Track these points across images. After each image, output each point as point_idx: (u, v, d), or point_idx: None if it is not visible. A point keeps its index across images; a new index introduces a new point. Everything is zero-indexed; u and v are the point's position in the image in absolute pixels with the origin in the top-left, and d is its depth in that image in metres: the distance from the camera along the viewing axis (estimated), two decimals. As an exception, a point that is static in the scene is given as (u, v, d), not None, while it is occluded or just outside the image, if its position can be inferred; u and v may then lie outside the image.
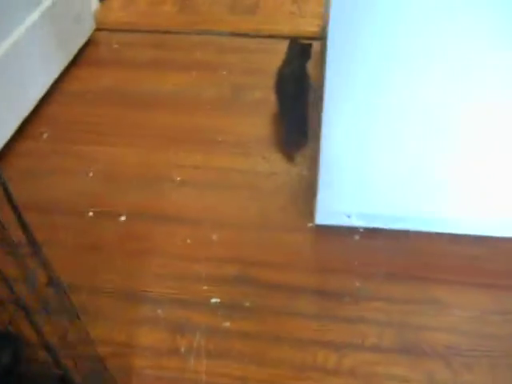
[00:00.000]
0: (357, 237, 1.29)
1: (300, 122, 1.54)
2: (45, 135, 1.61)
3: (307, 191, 1.40)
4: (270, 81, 1.72)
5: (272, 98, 1.66)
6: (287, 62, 1.65)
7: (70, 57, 1.82)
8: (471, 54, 0.94)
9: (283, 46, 1.82)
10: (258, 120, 1.63)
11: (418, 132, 1.08)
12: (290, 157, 1.51)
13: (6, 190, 0.61)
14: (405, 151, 1.12)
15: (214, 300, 1.19)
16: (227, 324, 1.14)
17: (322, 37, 1.88)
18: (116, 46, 1.94)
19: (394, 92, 1.02)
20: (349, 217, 1.26)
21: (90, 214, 1.39)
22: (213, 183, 1.45)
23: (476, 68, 0.95)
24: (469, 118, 1.04)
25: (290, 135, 1.56)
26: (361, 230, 1.29)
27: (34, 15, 1.61)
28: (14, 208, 0.63)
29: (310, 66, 1.65)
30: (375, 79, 1.01)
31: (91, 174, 1.49)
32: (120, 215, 1.38)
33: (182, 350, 1.10)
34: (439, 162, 1.14)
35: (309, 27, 1.94)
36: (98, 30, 1.97)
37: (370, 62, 0.99)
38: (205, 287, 1.21)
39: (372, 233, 1.28)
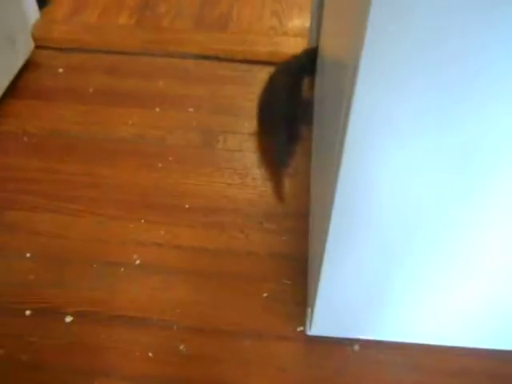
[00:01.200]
0: (356, 347, 1.08)
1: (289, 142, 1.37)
2: (-32, 197, 1.33)
3: (294, 279, 1.18)
4: (246, 123, 1.48)
5: (250, 146, 1.43)
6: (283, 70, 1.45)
7: (4, 87, 1.52)
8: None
9: (261, 75, 1.58)
10: (233, 178, 1.38)
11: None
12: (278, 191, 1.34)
13: None
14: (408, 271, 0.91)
15: None
16: None
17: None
18: (61, 70, 1.64)
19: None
20: (348, 331, 1.05)
21: (27, 312, 1.13)
22: (179, 268, 1.21)
23: None
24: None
25: (279, 154, 1.38)
26: (361, 339, 1.08)
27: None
28: None
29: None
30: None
31: (28, 255, 1.22)
32: (65, 314, 1.13)
33: None
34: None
35: (293, 48, 1.67)
36: (38, 47, 1.66)
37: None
38: (171, 425, 0.99)
39: (374, 344, 1.08)
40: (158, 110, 1.53)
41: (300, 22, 1.79)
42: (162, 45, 1.68)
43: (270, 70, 1.61)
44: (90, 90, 1.58)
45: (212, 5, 1.85)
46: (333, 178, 0.76)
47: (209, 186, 1.36)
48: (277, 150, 1.38)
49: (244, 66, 1.65)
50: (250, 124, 1.48)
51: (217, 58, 1.66)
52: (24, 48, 1.60)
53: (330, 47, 1.16)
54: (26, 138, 1.45)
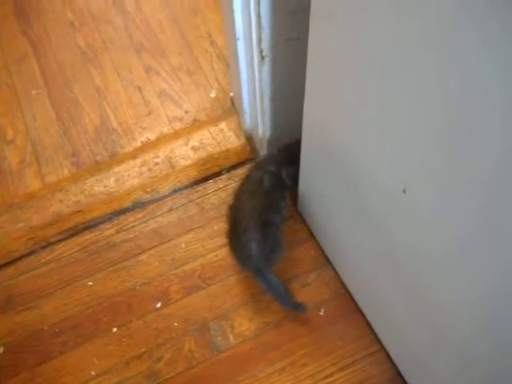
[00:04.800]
0: None
1: None
2: None
3: None
4: (235, 289, 1.14)
5: (266, 321, 1.09)
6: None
7: None
8: None
9: (208, 201, 1.22)
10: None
11: None
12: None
13: None
14: None
15: None
16: None
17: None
18: None
19: None
20: None
21: None
22: None
23: None
24: None
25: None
26: None
27: None
28: None
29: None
30: None
31: None
32: None
33: None
34: None
35: (226, 143, 1.28)
36: None
37: None
38: None
39: None
40: (115, 330, 1.10)
41: (203, 93, 1.38)
42: (52, 227, 1.20)
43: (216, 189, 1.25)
44: (1, 351, 1.09)
45: (76, 118, 1.36)
46: None
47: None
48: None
49: (174, 200, 1.24)
50: (244, 290, 1.13)
51: (136, 206, 1.23)
52: None
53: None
54: None
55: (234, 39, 1.03)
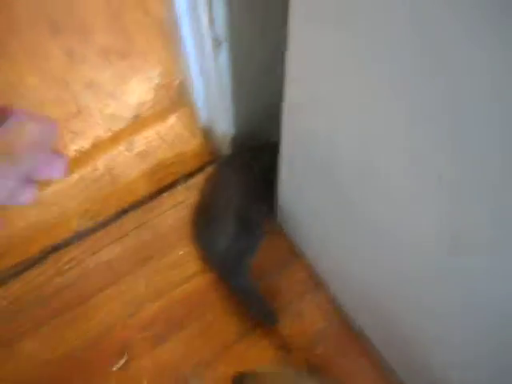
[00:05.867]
0: None
1: None
2: None
3: None
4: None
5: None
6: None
7: None
8: None
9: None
10: None
11: None
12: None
13: None
14: None
15: None
16: None
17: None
18: None
19: None
20: None
21: None
22: None
23: None
24: None
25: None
26: None
27: None
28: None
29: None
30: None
31: None
32: None
33: None
34: None
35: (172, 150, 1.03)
36: None
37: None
38: None
39: None
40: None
41: (142, 79, 1.11)
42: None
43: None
44: None
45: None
46: None
47: None
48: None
49: (123, 225, 0.99)
50: (222, 329, 0.92)
51: (77, 237, 0.97)
52: None
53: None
54: None
55: (176, 16, 0.77)
